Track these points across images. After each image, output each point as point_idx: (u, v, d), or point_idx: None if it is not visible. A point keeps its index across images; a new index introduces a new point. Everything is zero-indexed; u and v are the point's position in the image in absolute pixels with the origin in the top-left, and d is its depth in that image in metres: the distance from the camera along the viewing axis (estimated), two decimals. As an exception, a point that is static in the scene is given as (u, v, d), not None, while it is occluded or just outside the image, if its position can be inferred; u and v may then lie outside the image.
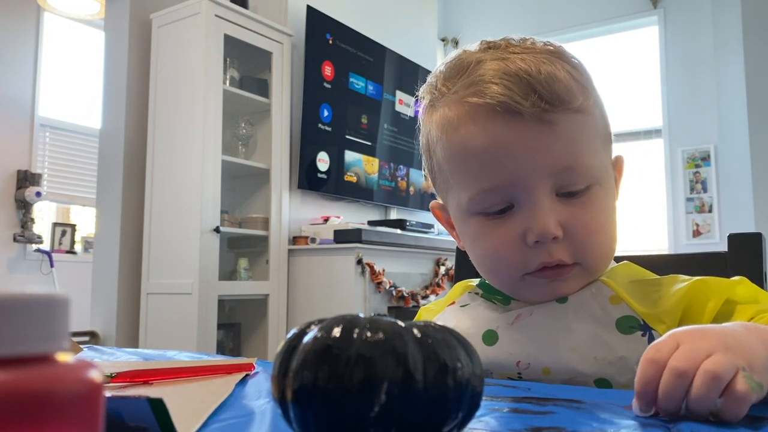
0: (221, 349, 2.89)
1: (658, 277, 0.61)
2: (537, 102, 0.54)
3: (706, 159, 4.12)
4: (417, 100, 0.67)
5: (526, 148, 0.55)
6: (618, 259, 0.66)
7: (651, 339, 0.53)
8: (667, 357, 0.38)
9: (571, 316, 0.57)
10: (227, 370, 0.58)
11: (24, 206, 4.27)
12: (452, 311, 0.66)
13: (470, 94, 0.57)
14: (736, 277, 0.58)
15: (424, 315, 0.73)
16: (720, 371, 0.36)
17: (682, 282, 0.58)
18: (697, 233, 4.12)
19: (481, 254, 0.61)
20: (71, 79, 4.71)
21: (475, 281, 0.68)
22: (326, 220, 3.27)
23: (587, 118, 0.58)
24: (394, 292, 3.04)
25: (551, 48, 0.60)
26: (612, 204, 0.61)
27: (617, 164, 0.65)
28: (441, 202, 0.68)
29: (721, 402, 0.36)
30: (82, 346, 0.78)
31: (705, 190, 4.12)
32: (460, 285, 0.71)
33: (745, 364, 0.37)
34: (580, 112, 0.57)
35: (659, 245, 4.30)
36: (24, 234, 4.24)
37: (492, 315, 0.62)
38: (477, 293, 0.66)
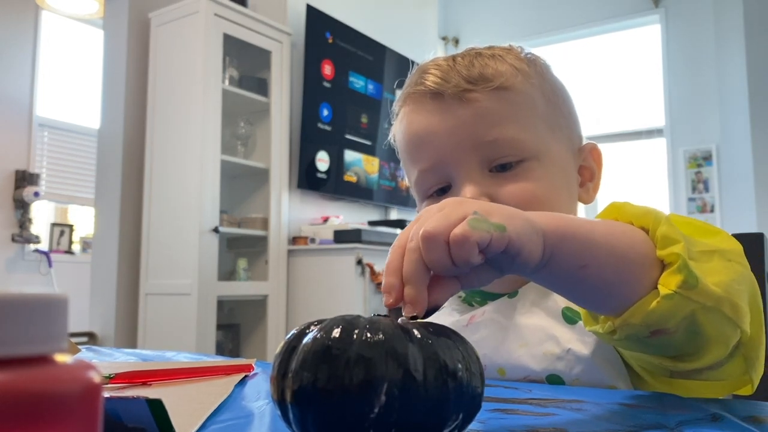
0: (220, 350, 2.88)
1: None
2: (459, 83, 0.58)
3: (708, 159, 4.13)
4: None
5: (447, 125, 0.59)
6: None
7: None
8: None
9: (519, 310, 0.58)
10: (226, 371, 0.57)
11: (22, 206, 4.26)
12: (435, 317, 0.67)
13: (409, 85, 0.64)
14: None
15: None
16: (432, 229, 0.35)
17: None
18: (697, 233, 4.12)
19: None
20: (70, 79, 4.71)
21: None
22: (326, 220, 3.26)
23: (515, 95, 0.60)
24: (393, 292, 3.03)
25: (507, 46, 0.63)
26: (558, 181, 0.61)
27: (591, 152, 0.66)
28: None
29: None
30: (80, 346, 0.78)
31: (707, 189, 4.12)
32: None
33: (477, 210, 0.36)
34: (505, 89, 0.59)
35: (659, 245, 4.30)
36: (22, 234, 4.23)
37: (452, 318, 0.63)
38: (459, 296, 0.67)
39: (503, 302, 0.60)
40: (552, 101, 0.62)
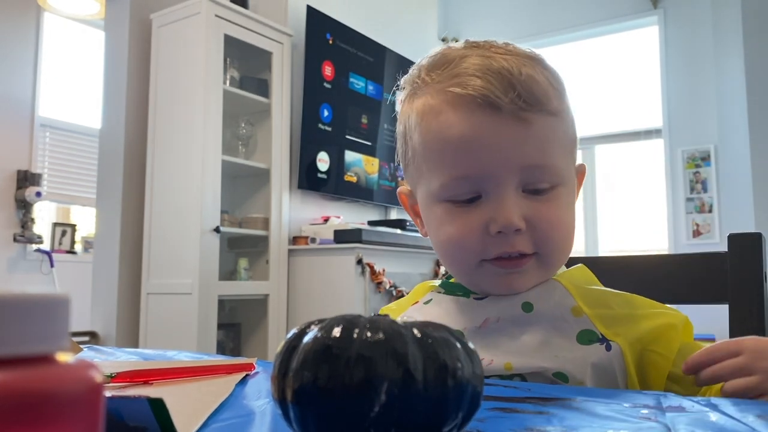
0: (221, 349, 2.89)
1: (614, 291, 0.63)
2: (515, 99, 0.57)
3: (706, 159, 4.12)
4: (396, 90, 0.69)
5: (500, 142, 0.58)
6: (614, 260, 0.67)
7: (608, 347, 0.56)
8: (730, 352, 0.50)
9: (534, 326, 0.59)
10: (227, 370, 0.58)
11: (24, 206, 4.27)
12: (416, 309, 0.68)
13: (453, 84, 0.59)
14: (684, 316, 0.61)
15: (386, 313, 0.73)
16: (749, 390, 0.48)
17: (649, 310, 0.60)
18: (697, 233, 4.12)
19: (443, 240, 0.62)
20: (71, 79, 4.71)
21: (437, 282, 0.70)
22: (326, 220, 3.27)
23: (559, 122, 0.61)
24: (394, 293, 3.04)
25: (531, 54, 0.62)
26: (573, 205, 0.63)
27: (579, 171, 0.67)
28: (409, 188, 0.70)
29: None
30: (82, 346, 0.78)
31: (705, 190, 4.11)
32: (422, 285, 0.72)
33: None
34: (554, 115, 0.59)
35: (659, 245, 4.30)
36: (24, 234, 4.24)
37: (459, 315, 0.63)
38: (439, 292, 0.68)
39: (518, 314, 0.60)
40: (572, 123, 0.64)
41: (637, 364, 0.57)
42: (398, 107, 0.69)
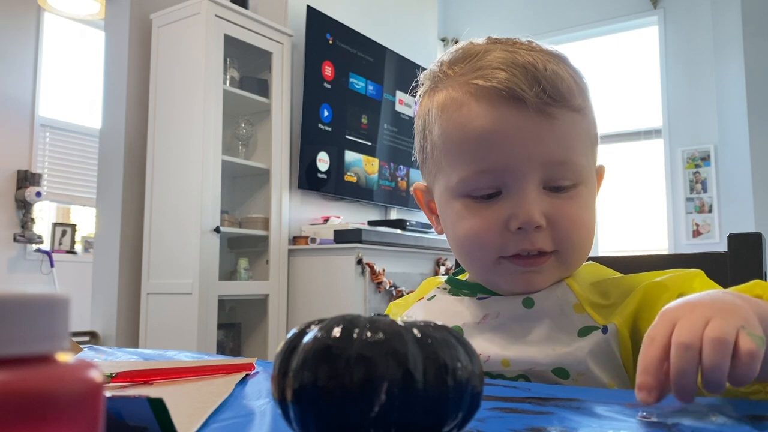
0: (221, 349, 2.89)
1: (621, 275, 0.63)
2: (540, 94, 0.56)
3: (706, 159, 4.13)
4: (416, 85, 0.68)
5: (524, 136, 0.57)
6: (614, 260, 0.67)
7: (605, 330, 0.56)
8: (667, 336, 0.38)
9: (534, 321, 0.59)
10: (227, 370, 0.58)
11: (24, 206, 4.27)
12: (421, 305, 0.68)
13: (476, 77, 0.59)
14: (693, 270, 0.60)
15: (393, 309, 0.74)
16: (724, 335, 0.36)
17: (651, 280, 0.59)
18: (697, 233, 4.12)
19: (461, 235, 0.62)
20: (71, 79, 4.71)
21: (444, 278, 0.70)
22: (326, 220, 3.27)
23: (582, 119, 0.60)
24: (394, 292, 3.04)
25: (555, 51, 0.62)
26: (594, 205, 0.63)
27: (599, 172, 0.67)
28: (426, 184, 0.69)
29: (732, 365, 0.36)
30: (82, 346, 0.78)
31: (705, 190, 4.12)
32: (429, 281, 0.73)
33: (743, 323, 0.37)
34: (577, 111, 0.59)
35: (659, 245, 4.31)
36: (24, 234, 4.24)
37: (460, 311, 0.63)
38: (445, 289, 0.68)
39: (519, 309, 0.60)
40: (594, 121, 0.64)
41: (632, 337, 0.56)
42: (417, 104, 0.68)
